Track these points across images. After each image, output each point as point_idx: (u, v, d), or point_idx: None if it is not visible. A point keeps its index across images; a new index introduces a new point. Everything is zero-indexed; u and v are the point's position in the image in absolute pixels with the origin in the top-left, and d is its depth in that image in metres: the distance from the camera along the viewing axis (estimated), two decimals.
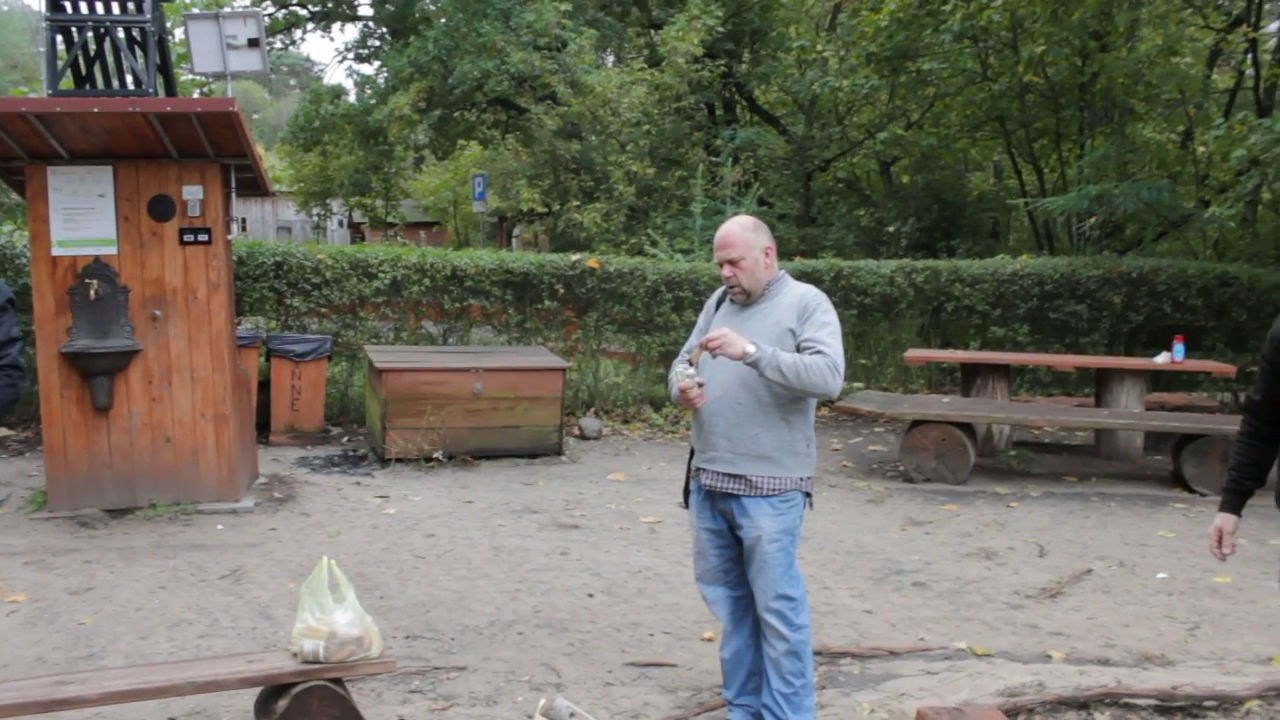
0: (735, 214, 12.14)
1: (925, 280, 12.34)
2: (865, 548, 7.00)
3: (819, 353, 3.75)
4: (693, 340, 4.22)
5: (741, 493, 3.95)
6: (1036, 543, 7.21)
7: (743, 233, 3.94)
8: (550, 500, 8.09)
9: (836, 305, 11.41)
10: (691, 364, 4.00)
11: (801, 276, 11.78)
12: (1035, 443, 10.81)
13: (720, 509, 4.07)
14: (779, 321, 3.89)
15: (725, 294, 4.11)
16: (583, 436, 10.42)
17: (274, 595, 5.78)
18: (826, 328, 3.84)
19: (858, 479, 8.99)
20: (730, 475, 3.95)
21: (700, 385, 3.92)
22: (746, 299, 3.98)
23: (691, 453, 4.20)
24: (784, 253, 13.94)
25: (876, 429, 11.59)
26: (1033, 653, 5.21)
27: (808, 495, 4.05)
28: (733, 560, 4.14)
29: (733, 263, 3.91)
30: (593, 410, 11.36)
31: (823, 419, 11.83)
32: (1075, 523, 7.79)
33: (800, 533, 4.04)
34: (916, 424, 8.86)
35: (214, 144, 6.92)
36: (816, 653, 5.04)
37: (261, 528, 7.04)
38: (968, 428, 8.93)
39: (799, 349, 3.82)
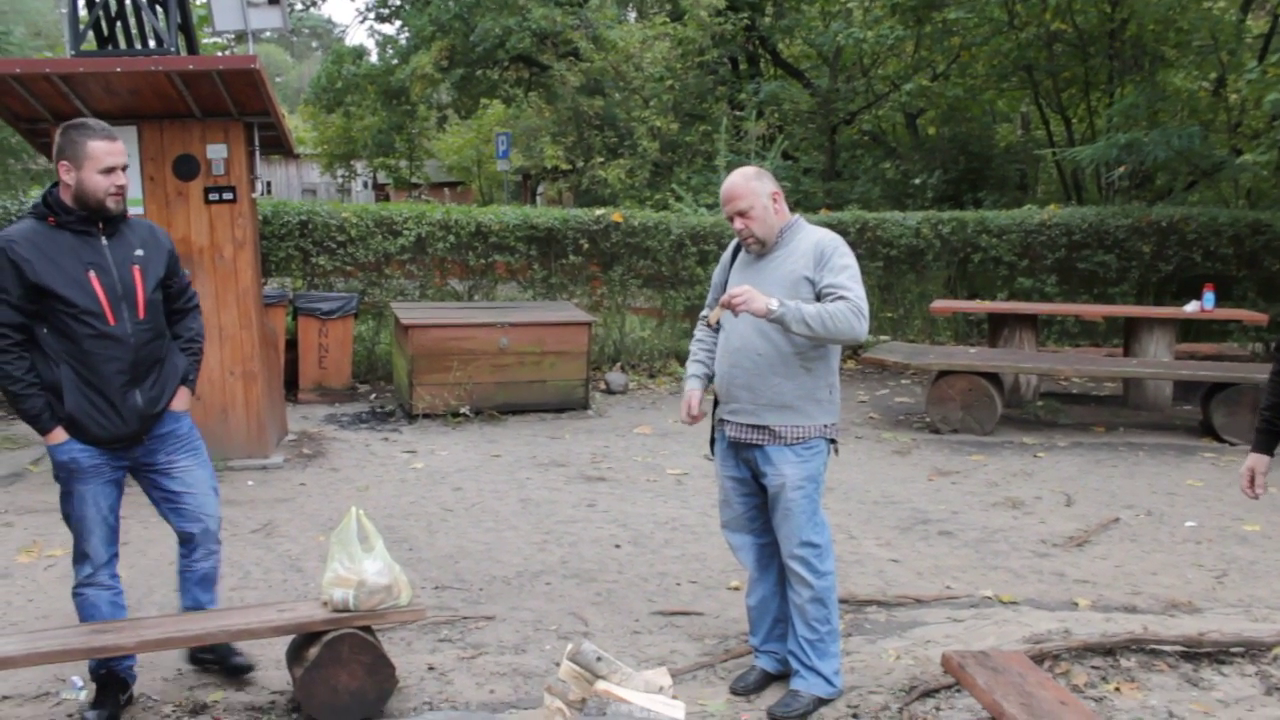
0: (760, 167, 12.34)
1: (952, 231, 12.21)
2: (892, 498, 7.00)
3: (841, 298, 3.69)
4: (712, 296, 4.20)
5: (765, 442, 3.93)
6: (1063, 492, 7.18)
7: (746, 182, 3.88)
8: (577, 453, 8.11)
9: (862, 258, 11.45)
10: (710, 325, 3.98)
11: (827, 228, 11.70)
12: (1063, 393, 10.72)
13: (744, 457, 4.06)
14: (794, 270, 3.84)
15: (740, 245, 4.07)
16: (609, 391, 10.43)
17: (304, 548, 5.84)
18: (846, 271, 3.78)
19: (884, 430, 8.97)
20: (754, 426, 3.94)
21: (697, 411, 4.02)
22: (762, 248, 3.93)
23: (715, 402, 4.20)
24: (809, 206, 14.31)
25: (903, 381, 11.54)
26: (1059, 600, 5.21)
27: (832, 442, 4.04)
28: (758, 508, 4.14)
29: (742, 214, 3.86)
30: (618, 365, 11.33)
31: (849, 371, 11.79)
32: (1103, 472, 7.76)
33: (824, 479, 4.04)
34: (943, 375, 8.82)
35: (237, 102, 6.92)
36: (843, 600, 5.07)
37: (291, 483, 7.10)
38: (994, 378, 8.89)
39: (819, 296, 3.77)
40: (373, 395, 10.25)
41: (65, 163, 3.71)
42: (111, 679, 3.98)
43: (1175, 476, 7.65)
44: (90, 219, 3.74)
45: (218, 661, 4.27)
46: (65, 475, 3.83)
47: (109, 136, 3.73)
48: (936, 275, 12.33)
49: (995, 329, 10.30)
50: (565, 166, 19.76)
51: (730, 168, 11.65)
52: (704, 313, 4.24)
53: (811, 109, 18.77)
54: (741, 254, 4.05)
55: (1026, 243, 12.25)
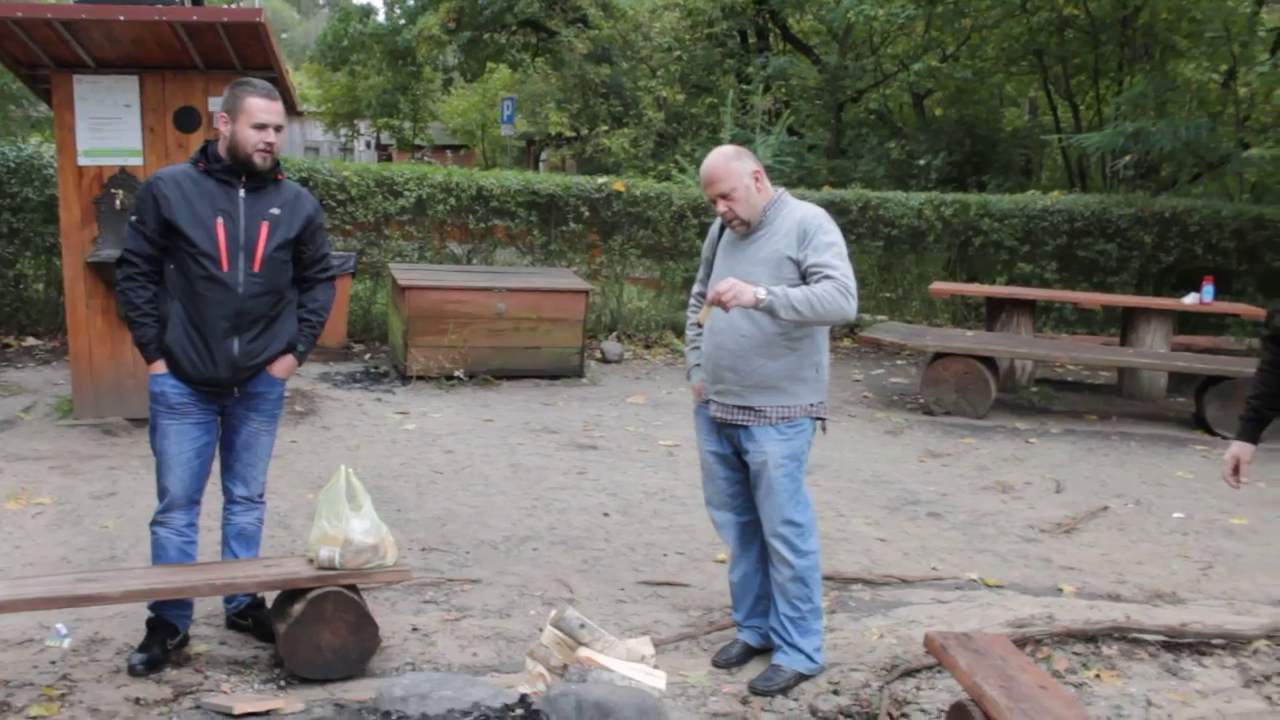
0: (765, 142, 12.45)
1: (953, 214, 12.17)
2: (882, 477, 7.01)
3: (826, 277, 3.65)
4: (702, 271, 4.18)
5: (751, 423, 3.93)
6: (1054, 479, 7.19)
7: (726, 163, 3.82)
8: (569, 421, 8.11)
9: (862, 237, 11.59)
10: (700, 325, 3.96)
11: (829, 206, 11.42)
12: (1058, 380, 10.72)
13: (727, 434, 4.06)
14: (777, 250, 3.80)
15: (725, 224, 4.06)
16: (604, 360, 10.42)
17: (292, 505, 5.85)
18: (831, 249, 3.73)
19: (877, 410, 8.97)
20: (740, 407, 3.93)
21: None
22: (747, 229, 3.88)
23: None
24: (813, 183, 14.22)
25: (899, 361, 11.53)
26: (1044, 586, 5.23)
27: (819, 420, 4.03)
28: (740, 484, 4.15)
29: (724, 196, 3.81)
30: (615, 334, 11.32)
31: (845, 349, 11.80)
32: (1094, 460, 7.77)
33: (807, 458, 4.03)
34: (939, 357, 8.80)
35: (241, 56, 6.87)
36: (829, 578, 5.08)
37: (283, 440, 6.92)
38: (990, 362, 8.88)
39: (805, 275, 3.74)
40: (367, 355, 10.23)
41: (224, 114, 3.88)
42: (161, 624, 4.06)
43: (1166, 468, 7.66)
44: (234, 170, 3.89)
45: (256, 626, 4.32)
46: (154, 406, 3.97)
47: (269, 96, 3.88)
48: (937, 257, 12.35)
49: (993, 313, 10.27)
50: (569, 134, 19.75)
51: (735, 141, 11.74)
52: (693, 297, 4.21)
53: (819, 85, 18.68)
54: (727, 231, 4.03)
55: (1028, 228, 12.23)
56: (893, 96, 19.85)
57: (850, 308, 3.63)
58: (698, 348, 4.12)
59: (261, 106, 3.85)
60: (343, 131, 28.84)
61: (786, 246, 3.77)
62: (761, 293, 3.56)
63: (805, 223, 3.78)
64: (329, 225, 10.41)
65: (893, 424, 8.51)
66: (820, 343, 3.93)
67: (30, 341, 9.86)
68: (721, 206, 3.83)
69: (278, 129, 3.91)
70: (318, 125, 32.63)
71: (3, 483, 6.10)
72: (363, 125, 29.25)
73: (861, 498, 6.53)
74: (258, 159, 3.87)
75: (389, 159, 30.36)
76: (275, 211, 3.95)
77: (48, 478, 6.23)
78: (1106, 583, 5.34)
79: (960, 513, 6.32)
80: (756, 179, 3.82)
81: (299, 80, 33.76)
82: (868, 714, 3.89)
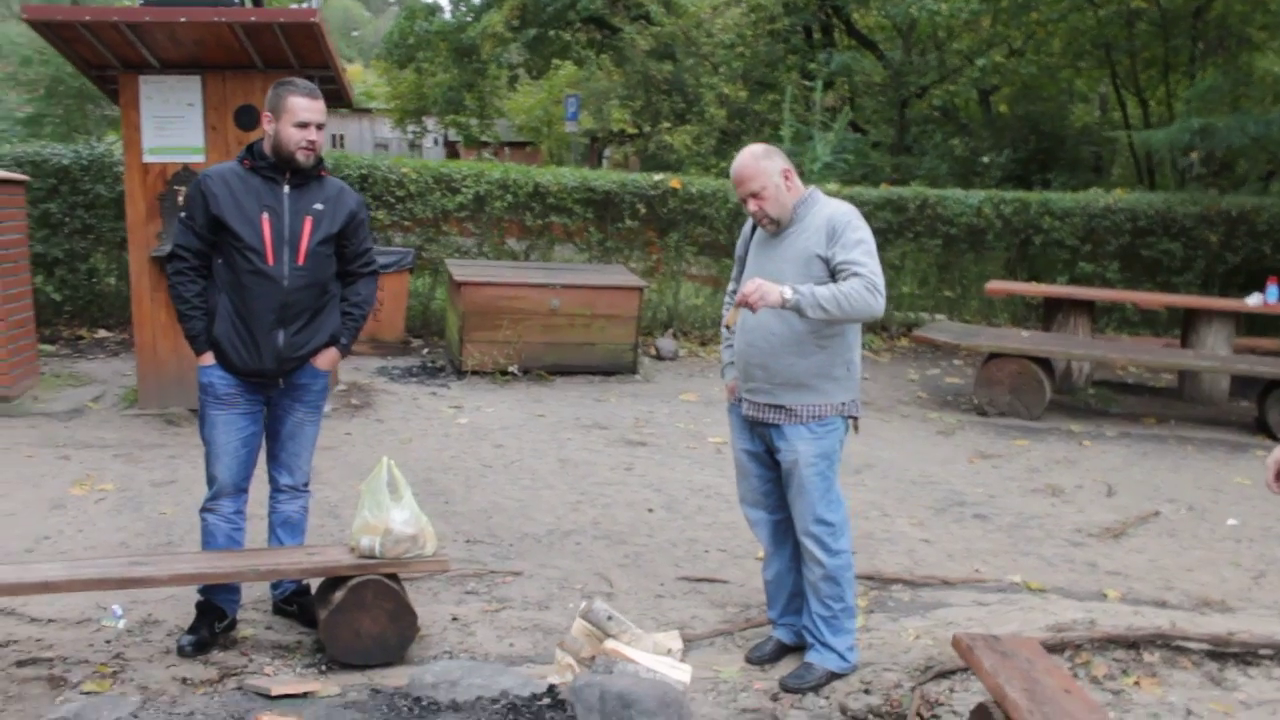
0: (825, 139, 12.32)
1: (1013, 212, 11.95)
2: (930, 478, 6.96)
3: (854, 274, 3.64)
4: (736, 269, 4.19)
5: (781, 421, 3.93)
6: (1105, 482, 7.09)
7: (755, 162, 3.82)
8: (620, 417, 8.09)
9: (921, 235, 11.91)
10: (728, 327, 3.97)
11: (887, 205, 11.67)
12: (1117, 382, 10.54)
13: (759, 433, 4.06)
14: (806, 247, 3.80)
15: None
16: (659, 357, 10.39)
17: (343, 496, 5.92)
18: (860, 246, 3.72)
19: (930, 410, 8.87)
20: (770, 405, 3.93)
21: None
22: (778, 228, 3.89)
23: None
24: (875, 180, 13.96)
25: (955, 361, 11.38)
26: (1088, 591, 5.17)
27: (851, 419, 4.02)
28: (772, 483, 4.13)
29: (754, 195, 3.82)
30: (670, 331, 11.30)
31: (901, 350, 11.68)
32: (1148, 464, 7.64)
33: (839, 457, 4.03)
34: (993, 357, 8.67)
35: (298, 55, 7.01)
36: (869, 577, 5.08)
37: (337, 432, 7.17)
38: (1045, 363, 8.74)
39: (834, 273, 3.72)
40: (425, 350, 10.29)
41: (269, 114, 3.98)
42: (209, 607, 4.18)
43: (1222, 473, 7.51)
44: (279, 167, 3.98)
45: (301, 612, 4.42)
46: (203, 397, 4.08)
47: (311, 95, 3.97)
48: (997, 256, 12.08)
49: (1050, 313, 10.12)
50: (632, 130, 19.68)
51: (797, 139, 11.92)
52: (727, 295, 4.21)
53: (883, 81, 18.53)
54: (759, 230, 4.04)
55: (1090, 227, 12.00)
56: (958, 92, 19.55)
57: (878, 305, 3.63)
58: (730, 346, 4.14)
59: (303, 105, 3.93)
60: (410, 128, 29.16)
61: (815, 244, 3.77)
62: (788, 292, 3.57)
63: (834, 220, 3.77)
64: (388, 222, 10.59)
65: (945, 424, 8.42)
66: (851, 340, 3.93)
67: (102, 334, 10.13)
68: (752, 206, 3.84)
69: (319, 127, 3.98)
70: (386, 122, 32.95)
71: (69, 469, 6.29)
72: (430, 122, 29.51)
73: (908, 498, 6.48)
74: (300, 156, 3.95)
75: (455, 155, 30.47)
76: (319, 207, 4.02)
77: (112, 465, 6.41)
78: (1153, 589, 5.25)
79: (1007, 515, 6.25)
80: (786, 178, 3.83)
81: (368, 78, 34.17)
82: (898, 714, 3.88)
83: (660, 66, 18.21)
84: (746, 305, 3.61)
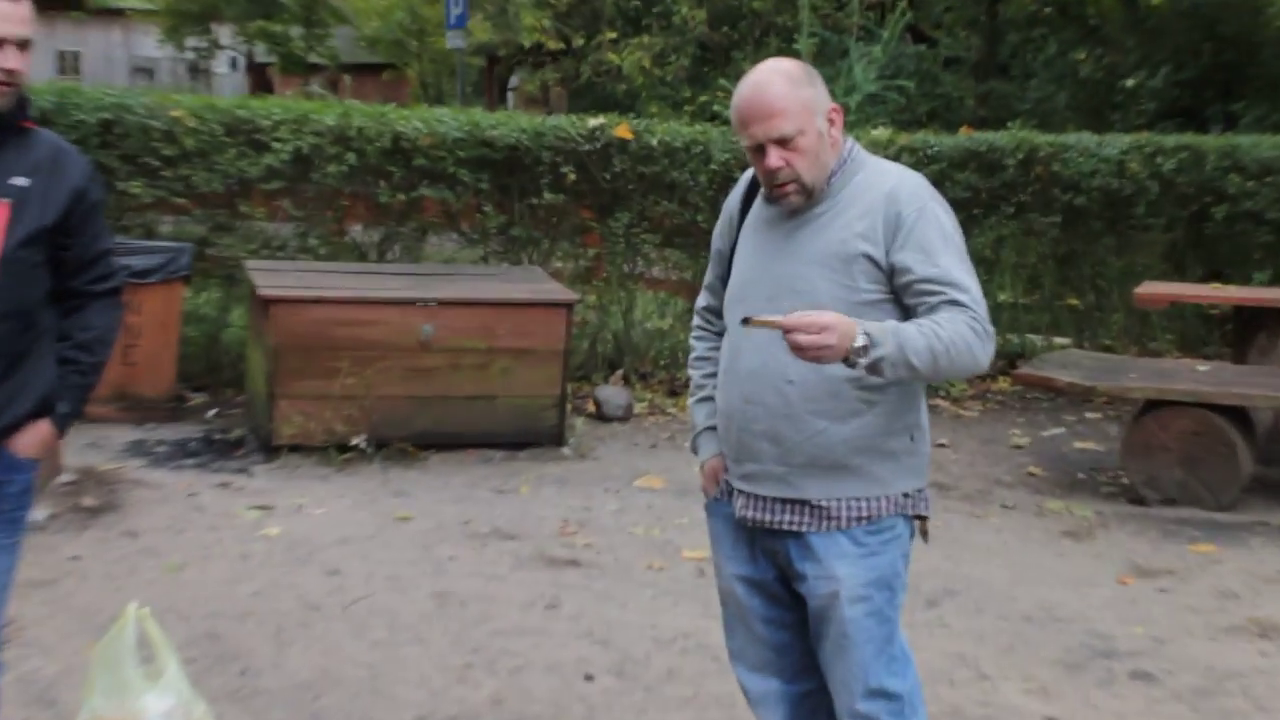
0: (868, 56, 10.00)
1: (1178, 168, 9.45)
2: (1055, 612, 5.95)
3: (952, 302, 2.85)
4: (712, 271, 3.31)
5: (805, 527, 3.10)
6: None
7: (793, 89, 2.92)
8: (538, 518, 6.89)
9: (1027, 208, 9.83)
10: (745, 323, 2.89)
11: (970, 161, 9.64)
12: None
13: (767, 547, 3.21)
14: (844, 242, 2.95)
15: (753, 190, 3.14)
16: (600, 416, 8.44)
17: (64, 667, 4.99)
18: (950, 248, 2.90)
19: (1050, 497, 7.39)
20: (784, 501, 3.09)
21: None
22: (805, 201, 3.00)
23: None
24: (952, 121, 11.74)
25: (1088, 413, 9.10)
26: None
27: (919, 520, 3.16)
28: (790, 630, 3.31)
29: (783, 143, 2.92)
30: (619, 373, 9.11)
31: (998, 396, 9.48)
32: None
33: (905, 584, 3.24)
34: (1152, 407, 7.29)
35: None
36: None
37: (56, 556, 6.24)
38: (1240, 415, 7.21)
39: (900, 291, 2.92)
40: (211, 412, 8.25)
41: None
42: None
43: None
44: None
45: None
46: None
47: None
48: (1152, 240, 9.66)
49: (1246, 332, 8.28)
50: (555, 46, 16.92)
51: (823, 55, 10.34)
52: (697, 314, 3.40)
53: None
54: (759, 207, 3.16)
55: None
56: None
57: (986, 356, 2.92)
58: (710, 398, 3.29)
59: None
60: (192, 43, 24.14)
61: (864, 235, 2.93)
62: (860, 340, 2.74)
63: (899, 198, 2.94)
64: (149, 200, 8.21)
65: (1076, 520, 7.06)
66: (915, 390, 3.12)
67: None
68: (774, 160, 2.93)
69: (22, 46, 3.01)
70: (151, 33, 27.53)
71: None
72: (224, 33, 24.62)
73: (1019, 646, 5.53)
74: None
75: (267, 88, 25.71)
76: (18, 183, 3.18)
77: None
78: None
79: (1187, 672, 5.31)
80: (833, 123, 3.00)
81: None
82: None
83: None
84: (796, 349, 2.75)
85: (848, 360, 2.76)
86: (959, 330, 2.82)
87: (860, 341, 2.73)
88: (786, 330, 2.77)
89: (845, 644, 3.19)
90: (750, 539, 3.26)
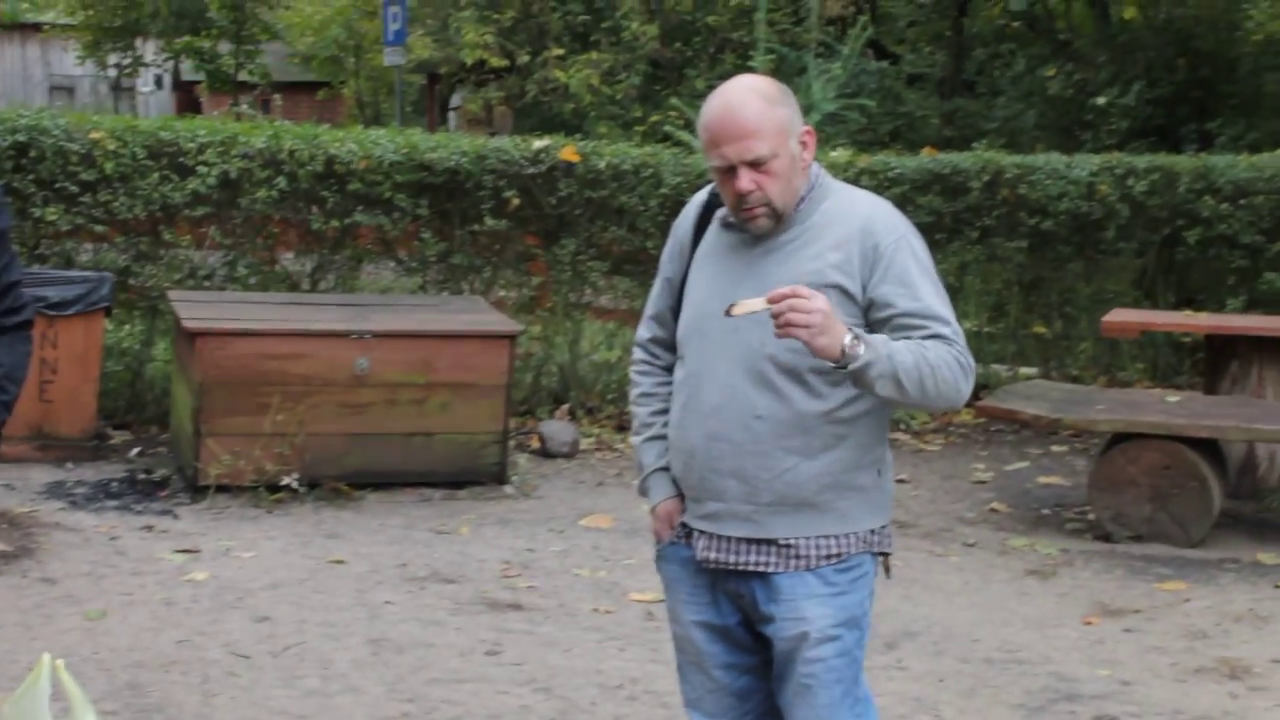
0: (826, 72, 9.96)
1: (1151, 189, 9.40)
2: (1018, 653, 6.01)
3: (935, 336, 2.91)
4: (657, 301, 3.24)
5: (771, 568, 3.10)
6: None
7: (768, 109, 2.90)
8: (478, 560, 6.96)
9: (993, 233, 9.69)
10: (729, 315, 2.89)
11: (934, 183, 9.57)
12: None
13: (729, 589, 3.21)
14: (818, 271, 2.94)
15: (707, 211, 3.09)
16: (545, 452, 8.44)
17: None
18: (927, 281, 2.96)
19: (1014, 534, 7.46)
20: (750, 541, 3.08)
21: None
22: (773, 226, 2.98)
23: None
24: (915, 140, 12.24)
25: (1054, 446, 9.01)
26: None
27: (881, 556, 3.22)
28: (751, 675, 3.29)
29: (756, 165, 2.89)
30: (565, 407, 9.07)
31: (961, 429, 9.42)
32: None
33: (869, 623, 3.29)
34: (1120, 439, 7.32)
35: None
36: None
37: None
38: (1210, 448, 7.27)
39: (876, 326, 2.96)
40: (134, 451, 8.22)
41: None
42: None
43: None
44: None
45: None
46: None
47: None
48: (1121, 266, 9.69)
49: (1219, 361, 8.24)
50: (499, 63, 16.77)
51: (780, 72, 10.18)
52: (638, 347, 3.32)
53: None
54: (715, 231, 3.12)
55: None
56: None
57: (967, 389, 2.98)
58: (661, 436, 3.22)
59: None
60: (114, 60, 23.62)
61: (838, 266, 2.96)
62: (848, 339, 2.77)
63: (874, 230, 2.97)
64: (67, 227, 8.15)
65: (1041, 558, 7.13)
66: (882, 422, 3.16)
67: None
68: (746, 182, 2.90)
69: None
70: (70, 48, 26.81)
71: None
72: (149, 49, 24.14)
73: (980, 689, 5.55)
74: None
75: (195, 108, 25.17)
76: None
77: None
78: None
79: (1155, 715, 5.34)
80: (805, 145, 3.00)
81: None
82: None
83: None
84: (786, 325, 2.72)
85: (841, 357, 2.82)
86: (944, 359, 2.91)
87: (849, 340, 2.79)
88: (775, 308, 2.83)
89: (812, 684, 3.21)
90: (711, 582, 3.25)
